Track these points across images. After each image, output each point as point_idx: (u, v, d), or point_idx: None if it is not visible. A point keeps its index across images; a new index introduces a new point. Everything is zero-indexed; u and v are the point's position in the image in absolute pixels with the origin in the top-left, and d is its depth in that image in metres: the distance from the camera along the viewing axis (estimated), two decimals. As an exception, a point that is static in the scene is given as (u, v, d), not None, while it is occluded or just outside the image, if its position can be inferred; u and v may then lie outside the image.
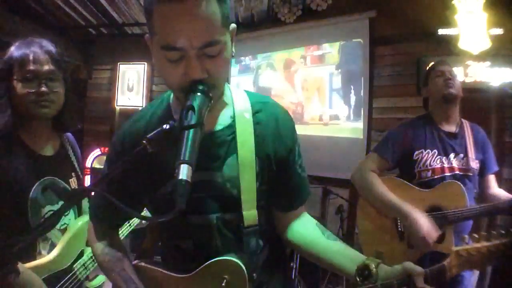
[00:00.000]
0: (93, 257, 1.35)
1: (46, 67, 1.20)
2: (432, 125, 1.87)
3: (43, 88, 1.19)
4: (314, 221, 1.03)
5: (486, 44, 2.85)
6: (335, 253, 0.92)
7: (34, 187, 1.20)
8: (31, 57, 1.19)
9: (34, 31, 4.08)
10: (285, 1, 3.79)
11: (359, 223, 1.96)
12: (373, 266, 0.81)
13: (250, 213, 0.87)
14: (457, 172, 1.78)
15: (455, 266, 0.84)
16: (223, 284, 0.84)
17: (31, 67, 1.18)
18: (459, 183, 1.70)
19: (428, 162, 1.79)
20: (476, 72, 3.04)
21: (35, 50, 1.20)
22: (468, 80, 3.11)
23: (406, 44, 3.42)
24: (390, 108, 3.52)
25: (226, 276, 0.84)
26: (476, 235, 0.94)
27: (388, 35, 3.49)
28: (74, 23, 4.49)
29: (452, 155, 1.80)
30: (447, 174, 1.77)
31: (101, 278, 1.42)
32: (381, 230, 1.84)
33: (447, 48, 3.12)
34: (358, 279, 0.82)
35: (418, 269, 0.78)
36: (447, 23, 3.03)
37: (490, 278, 1.83)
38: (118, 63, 4.84)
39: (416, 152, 1.82)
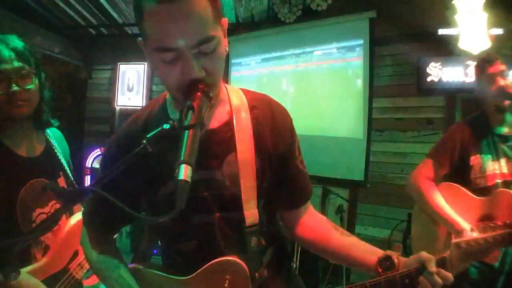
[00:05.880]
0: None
1: (13, 65, 1.13)
2: (487, 127, 1.76)
3: (15, 88, 1.12)
4: (324, 217, 1.03)
5: (486, 44, 2.85)
6: (351, 247, 0.92)
7: (22, 190, 1.16)
8: None
9: (34, 31, 4.09)
10: (285, 1, 3.79)
11: (413, 229, 1.92)
12: (395, 256, 0.84)
13: (251, 212, 0.86)
14: (507, 178, 1.68)
15: (455, 257, 0.87)
16: (225, 285, 0.83)
17: None
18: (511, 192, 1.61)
19: (484, 168, 1.69)
20: (476, 72, 3.03)
21: None
22: (468, 80, 3.11)
23: (406, 44, 3.42)
24: (390, 108, 3.52)
25: (228, 276, 0.83)
26: (474, 227, 0.95)
27: (388, 35, 3.49)
28: (74, 23, 4.49)
29: (503, 160, 1.70)
30: (499, 180, 1.68)
31: None
32: (435, 239, 1.77)
33: (447, 48, 3.12)
34: (380, 270, 0.84)
35: (429, 256, 0.81)
36: (447, 23, 3.02)
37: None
38: (118, 63, 4.84)
39: (472, 158, 1.71)
